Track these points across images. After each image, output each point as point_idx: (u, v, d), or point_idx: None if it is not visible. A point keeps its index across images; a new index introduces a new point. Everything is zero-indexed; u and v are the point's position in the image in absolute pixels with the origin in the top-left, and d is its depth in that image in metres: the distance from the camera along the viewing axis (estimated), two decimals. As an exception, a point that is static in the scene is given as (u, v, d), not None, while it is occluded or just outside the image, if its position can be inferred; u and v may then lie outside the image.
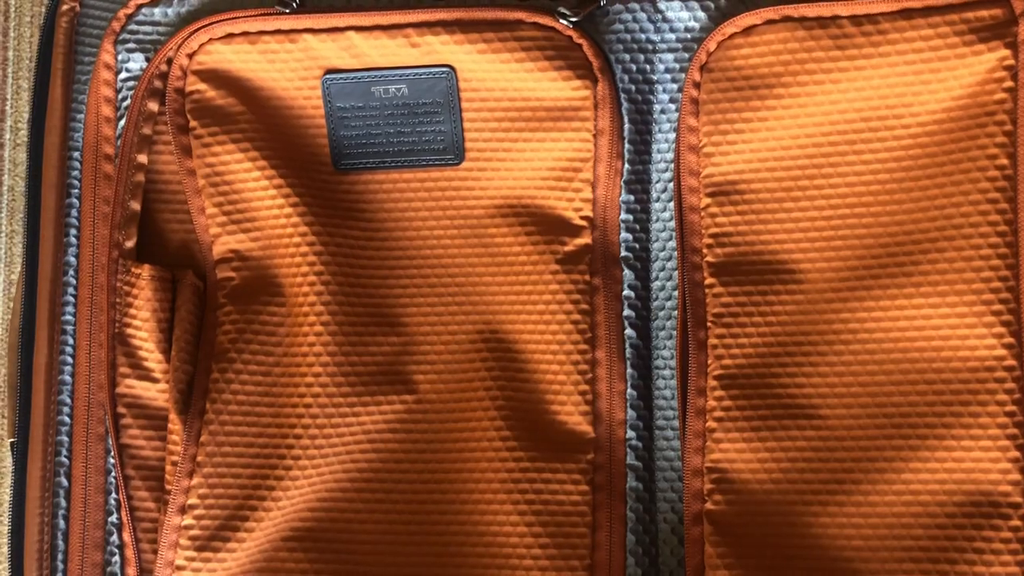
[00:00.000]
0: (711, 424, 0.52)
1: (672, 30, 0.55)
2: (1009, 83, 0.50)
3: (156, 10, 0.56)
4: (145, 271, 0.54)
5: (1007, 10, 0.50)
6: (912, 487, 0.50)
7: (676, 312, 0.54)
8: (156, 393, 0.55)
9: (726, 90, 0.54)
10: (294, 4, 0.54)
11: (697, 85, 0.54)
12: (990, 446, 0.49)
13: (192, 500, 0.53)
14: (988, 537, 0.49)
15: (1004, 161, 0.50)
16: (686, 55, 0.55)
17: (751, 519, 0.51)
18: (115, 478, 0.55)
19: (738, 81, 0.53)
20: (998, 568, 0.49)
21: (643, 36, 0.55)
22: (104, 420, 0.55)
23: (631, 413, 0.54)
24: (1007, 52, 0.50)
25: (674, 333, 0.54)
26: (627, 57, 0.55)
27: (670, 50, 0.55)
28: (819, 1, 0.52)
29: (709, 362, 0.53)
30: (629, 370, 0.54)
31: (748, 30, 0.53)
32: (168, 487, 0.54)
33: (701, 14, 0.54)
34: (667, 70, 0.55)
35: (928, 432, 0.50)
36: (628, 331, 0.54)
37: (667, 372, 0.54)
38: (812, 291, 0.52)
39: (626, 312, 0.54)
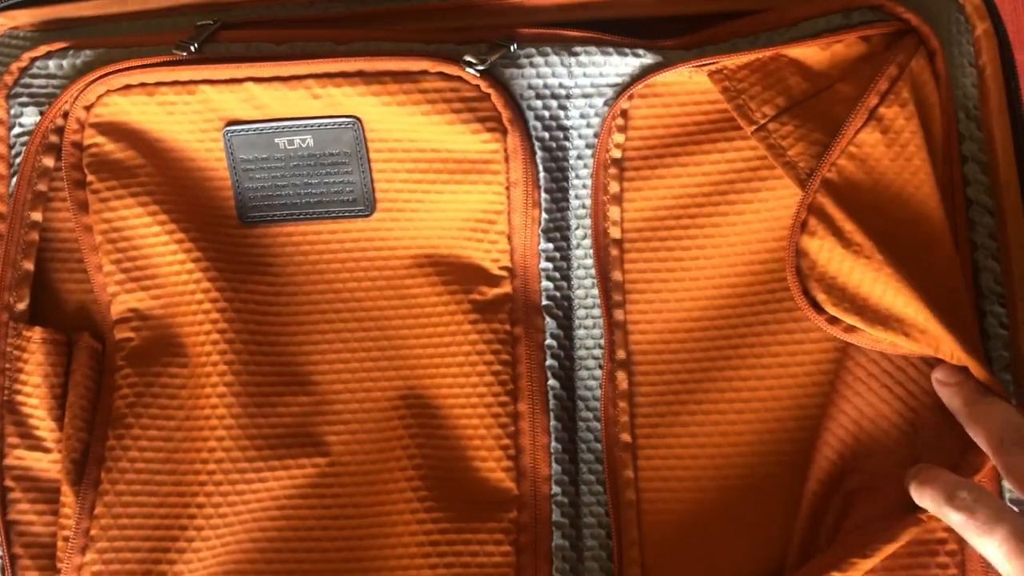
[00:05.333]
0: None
1: (586, 75, 0.54)
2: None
3: (51, 62, 0.54)
4: (36, 334, 0.51)
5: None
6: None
7: (601, 361, 0.52)
8: (48, 464, 0.51)
9: (646, 137, 0.53)
10: (191, 48, 0.53)
11: (612, 132, 0.53)
12: None
13: (85, 578, 0.50)
14: None
15: None
16: (599, 100, 0.54)
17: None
18: (1, 558, 0.51)
19: (658, 129, 0.53)
20: None
21: (556, 82, 0.54)
22: (-9, 495, 0.51)
23: (556, 467, 0.51)
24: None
25: (599, 382, 0.52)
26: (539, 104, 0.54)
27: (584, 96, 0.54)
28: (735, 54, 0.52)
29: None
30: (553, 422, 0.52)
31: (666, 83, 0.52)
32: (59, 565, 0.50)
33: (616, 59, 0.53)
34: (581, 115, 0.54)
35: None
36: (551, 381, 0.52)
37: (593, 423, 0.52)
38: (726, 327, 0.51)
39: (549, 362, 0.52)
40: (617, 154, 0.53)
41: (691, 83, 0.52)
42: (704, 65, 0.51)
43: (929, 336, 0.46)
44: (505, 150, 0.53)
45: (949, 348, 0.45)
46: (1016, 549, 0.40)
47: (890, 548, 0.45)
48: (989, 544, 0.41)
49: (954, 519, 0.42)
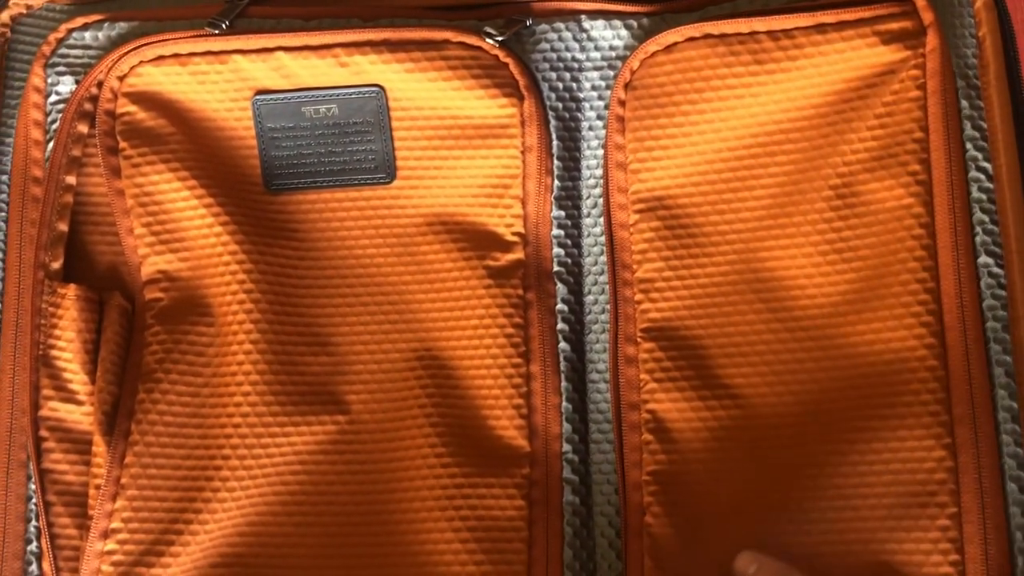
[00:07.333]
0: (647, 437, 0.52)
1: (597, 48, 0.56)
2: (915, 92, 0.51)
3: (87, 33, 0.56)
4: (71, 291, 0.53)
5: (916, 22, 0.52)
6: (845, 489, 0.49)
7: (608, 326, 0.54)
8: (81, 416, 0.53)
9: (650, 107, 0.55)
10: (224, 25, 0.55)
11: (622, 103, 0.55)
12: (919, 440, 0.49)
13: (115, 524, 0.52)
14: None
15: (916, 167, 0.51)
16: (611, 73, 0.56)
17: (692, 535, 0.50)
18: (36, 504, 0.53)
19: (661, 98, 0.54)
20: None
21: (569, 55, 0.56)
22: (26, 445, 0.53)
23: (567, 426, 0.53)
24: (915, 63, 0.52)
25: (607, 346, 0.54)
26: (553, 75, 0.56)
27: (595, 68, 0.56)
28: (738, 18, 0.54)
29: (641, 377, 0.53)
30: (564, 383, 0.54)
31: (670, 47, 0.54)
32: (91, 512, 0.52)
33: (624, 32, 0.56)
34: (593, 88, 0.56)
35: (864, 424, 0.50)
36: (562, 344, 0.54)
37: (602, 385, 0.54)
38: (742, 303, 0.52)
39: (560, 326, 0.54)
40: (623, 126, 0.55)
41: (697, 55, 0.54)
42: (703, 35, 0.53)
43: None
44: (521, 115, 0.55)
45: None
46: None
47: None
48: None
49: None
